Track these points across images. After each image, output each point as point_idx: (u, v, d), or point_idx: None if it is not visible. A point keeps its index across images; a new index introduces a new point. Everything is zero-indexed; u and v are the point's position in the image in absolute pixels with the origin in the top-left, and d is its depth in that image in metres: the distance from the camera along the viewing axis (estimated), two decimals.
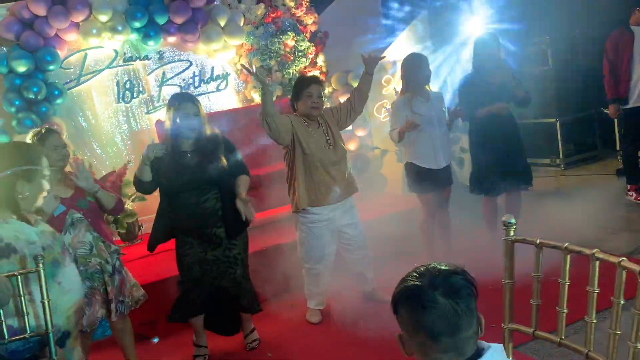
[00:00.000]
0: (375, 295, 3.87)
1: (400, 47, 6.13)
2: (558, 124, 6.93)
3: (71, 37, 5.24)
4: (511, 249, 1.69)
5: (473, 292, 1.20)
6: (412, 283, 1.20)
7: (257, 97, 6.00)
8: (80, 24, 5.20)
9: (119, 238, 4.96)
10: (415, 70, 3.98)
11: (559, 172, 6.92)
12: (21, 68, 4.94)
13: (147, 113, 5.71)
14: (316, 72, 6.10)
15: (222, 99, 6.05)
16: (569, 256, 1.54)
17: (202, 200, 3.21)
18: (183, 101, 3.25)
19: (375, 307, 3.76)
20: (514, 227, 1.69)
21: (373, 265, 3.89)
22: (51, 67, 5.12)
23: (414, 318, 1.18)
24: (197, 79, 5.92)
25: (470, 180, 4.30)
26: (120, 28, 5.28)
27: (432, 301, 1.17)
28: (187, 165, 3.21)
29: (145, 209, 4.98)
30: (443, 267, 1.22)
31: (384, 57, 4.05)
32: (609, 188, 5.64)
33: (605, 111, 5.59)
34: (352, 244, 3.76)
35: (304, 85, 3.57)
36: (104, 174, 4.89)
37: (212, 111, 5.81)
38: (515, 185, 4.14)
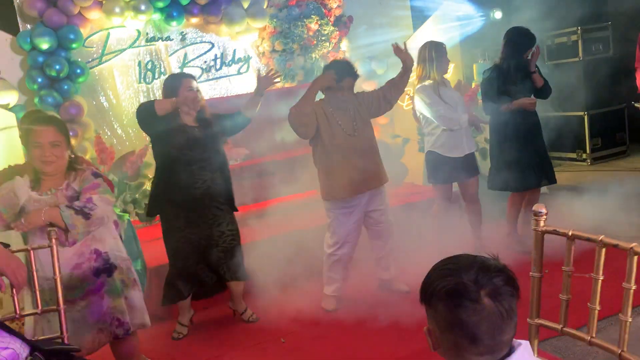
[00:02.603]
0: (392, 284, 3.80)
1: (427, 33, 6.00)
2: (586, 117, 6.74)
3: (94, 15, 5.22)
4: (541, 240, 1.61)
5: (516, 292, 1.11)
6: (455, 278, 1.10)
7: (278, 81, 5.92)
8: (104, 2, 5.17)
9: (137, 218, 4.96)
10: (439, 57, 3.90)
11: (585, 167, 6.74)
12: (44, 45, 4.93)
13: None
14: (339, 57, 5.99)
15: (243, 82, 5.99)
16: (604, 250, 1.45)
17: (209, 172, 3.32)
18: (187, 77, 3.38)
19: (391, 297, 3.71)
20: (545, 217, 1.60)
21: (394, 255, 3.82)
22: (74, 46, 5.11)
23: (453, 316, 1.09)
24: (218, 61, 5.86)
25: (490, 175, 4.20)
26: (143, 7, 5.24)
27: (477, 301, 1.07)
28: (197, 138, 3.30)
29: None
30: (487, 263, 1.13)
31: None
32: (637, 185, 5.46)
33: (636, 105, 5.40)
34: (378, 229, 3.69)
35: (338, 76, 3.47)
36: (124, 154, 4.89)
37: (232, 94, 5.77)
38: (538, 182, 4.09)
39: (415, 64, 3.85)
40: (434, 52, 3.91)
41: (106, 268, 2.59)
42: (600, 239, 1.45)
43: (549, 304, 1.73)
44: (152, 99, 3.31)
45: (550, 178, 4.15)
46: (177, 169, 3.27)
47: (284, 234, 4.29)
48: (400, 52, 3.56)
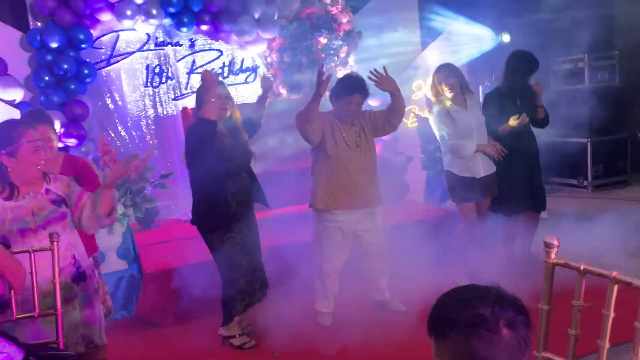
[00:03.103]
0: (389, 304, 3.77)
1: (435, 53, 6.02)
2: (589, 144, 6.76)
3: (105, 17, 5.22)
4: (551, 273, 1.59)
5: (529, 321, 1.10)
6: (472, 309, 1.09)
7: (284, 92, 5.94)
8: (116, 4, 5.18)
9: (135, 222, 4.94)
10: (443, 80, 3.91)
11: (585, 194, 6.74)
12: (53, 44, 4.93)
13: (174, 99, 5.69)
14: (346, 72, 6.01)
15: (250, 91, 6.00)
16: (616, 286, 1.44)
17: (248, 181, 3.37)
18: (221, 84, 3.33)
19: (387, 316, 3.68)
20: (556, 249, 1.59)
21: (389, 276, 3.79)
22: (83, 46, 5.11)
23: (473, 348, 1.06)
24: (226, 69, 5.87)
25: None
26: (154, 12, 5.25)
27: (496, 332, 1.06)
28: (241, 146, 3.33)
29: (162, 195, 4.96)
30: (501, 293, 1.11)
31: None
32: (637, 216, 5.46)
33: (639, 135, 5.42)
34: (370, 250, 3.66)
35: (347, 92, 3.45)
36: (127, 156, 4.86)
37: (238, 103, 5.76)
38: (531, 207, 4.14)
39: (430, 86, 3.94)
40: (442, 75, 3.91)
41: (80, 275, 2.40)
42: (613, 275, 1.44)
43: (552, 332, 1.71)
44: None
45: (536, 206, 4.17)
46: (224, 178, 3.23)
47: (279, 246, 4.24)
48: (378, 81, 3.44)
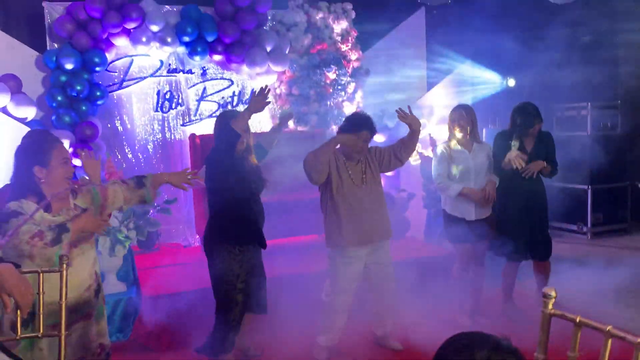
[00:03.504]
0: (386, 341, 3.76)
1: (440, 95, 6.14)
2: (590, 191, 6.81)
3: (121, 42, 5.36)
4: (548, 323, 1.62)
5: None
6: (467, 354, 1.12)
7: (291, 124, 6.03)
8: (132, 30, 5.32)
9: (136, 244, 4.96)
10: (452, 120, 3.99)
11: (585, 241, 6.76)
12: (68, 65, 5.05)
13: (183, 125, 5.78)
14: (353, 108, 6.12)
15: (257, 121, 6.10)
16: (610, 340, 1.47)
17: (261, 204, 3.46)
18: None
19: (384, 354, 3.67)
20: (554, 299, 1.62)
21: (395, 310, 3.78)
22: (97, 69, 5.23)
23: None
24: (235, 98, 5.98)
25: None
26: (169, 40, 5.38)
27: None
28: (256, 170, 3.43)
29: (164, 219, 4.99)
30: (500, 343, 1.14)
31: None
32: (636, 265, 5.48)
33: (639, 185, 5.46)
34: (378, 283, 3.67)
35: (355, 128, 3.51)
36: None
37: None
38: (541, 254, 4.08)
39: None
40: (452, 115, 4.01)
41: (99, 288, 2.47)
42: (607, 329, 1.47)
43: None
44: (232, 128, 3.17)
45: (537, 255, 4.08)
46: (250, 196, 3.35)
47: (283, 276, 4.26)
48: (405, 117, 3.58)
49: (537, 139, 4.06)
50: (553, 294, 1.62)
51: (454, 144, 3.98)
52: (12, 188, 2.27)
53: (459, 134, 3.96)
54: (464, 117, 3.95)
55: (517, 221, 3.99)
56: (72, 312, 2.18)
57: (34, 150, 2.27)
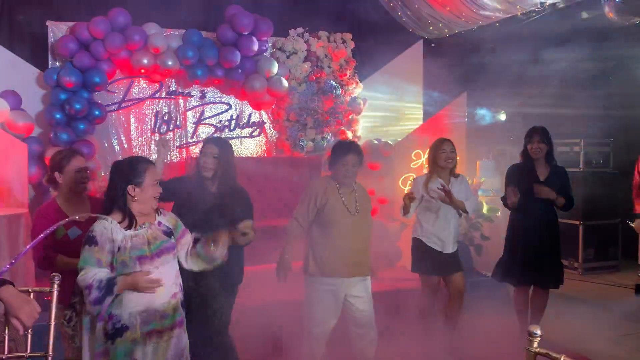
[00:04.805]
0: None
1: (434, 126, 6.21)
2: (581, 227, 6.85)
3: (122, 63, 5.42)
4: None
5: None
6: None
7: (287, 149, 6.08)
8: (134, 52, 5.39)
9: None
10: (436, 152, 4.03)
11: (576, 276, 6.77)
12: (69, 84, 5.10)
13: (179, 147, 5.81)
14: (349, 135, 6.19)
15: (254, 146, 6.15)
16: None
17: None
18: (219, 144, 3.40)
19: None
20: (539, 338, 1.63)
21: (375, 347, 3.73)
22: (97, 88, 5.27)
23: None
24: (233, 122, 6.04)
25: (498, 266, 4.22)
26: (170, 62, 5.45)
27: None
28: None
29: None
30: None
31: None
32: (625, 302, 5.49)
33: (630, 225, 5.50)
34: (357, 318, 3.61)
35: (341, 154, 3.52)
36: None
37: (241, 155, 5.90)
38: (544, 283, 4.07)
39: None
40: (433, 147, 4.07)
41: (184, 302, 2.61)
42: None
43: None
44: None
45: (543, 282, 4.07)
46: None
47: (258, 305, 4.22)
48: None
49: (551, 171, 4.11)
50: (538, 332, 1.64)
51: (431, 175, 4.01)
52: (104, 202, 2.50)
53: (443, 162, 3.98)
54: (438, 148, 4.01)
55: (524, 246, 4.00)
56: (162, 318, 2.40)
57: (129, 170, 2.46)
